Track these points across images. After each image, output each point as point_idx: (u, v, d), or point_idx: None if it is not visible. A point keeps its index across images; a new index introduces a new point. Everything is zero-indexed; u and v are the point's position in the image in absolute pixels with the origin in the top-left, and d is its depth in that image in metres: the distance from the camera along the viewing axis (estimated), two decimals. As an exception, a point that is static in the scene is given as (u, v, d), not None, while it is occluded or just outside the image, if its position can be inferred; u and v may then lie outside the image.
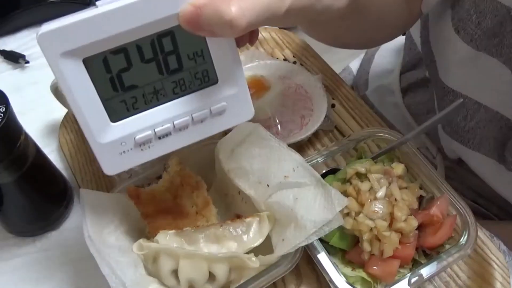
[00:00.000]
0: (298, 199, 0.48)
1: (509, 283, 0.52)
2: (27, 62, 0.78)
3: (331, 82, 0.72)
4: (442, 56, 0.63)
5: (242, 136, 0.53)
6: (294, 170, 0.49)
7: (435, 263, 0.49)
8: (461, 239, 0.49)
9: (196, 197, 0.51)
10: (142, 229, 0.51)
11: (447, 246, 0.51)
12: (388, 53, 0.86)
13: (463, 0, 0.57)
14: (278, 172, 0.50)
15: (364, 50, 0.92)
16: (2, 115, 0.47)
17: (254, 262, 0.46)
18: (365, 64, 0.89)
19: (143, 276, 0.47)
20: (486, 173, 0.66)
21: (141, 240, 0.48)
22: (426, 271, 0.48)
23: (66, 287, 0.55)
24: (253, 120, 0.65)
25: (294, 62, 0.73)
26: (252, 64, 0.71)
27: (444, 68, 0.62)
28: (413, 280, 0.47)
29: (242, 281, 0.47)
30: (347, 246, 0.51)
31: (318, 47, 0.79)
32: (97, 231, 0.46)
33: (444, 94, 0.63)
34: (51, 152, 0.66)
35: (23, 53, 0.79)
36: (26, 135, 0.52)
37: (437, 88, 0.65)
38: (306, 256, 0.50)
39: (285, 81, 0.70)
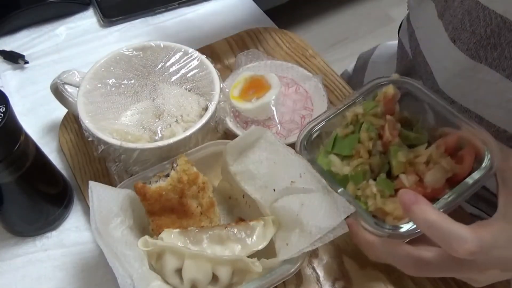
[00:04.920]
0: (304, 204, 0.48)
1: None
2: (27, 62, 0.78)
3: (331, 82, 0.72)
4: (440, 67, 0.62)
5: (250, 140, 0.53)
6: (301, 176, 0.50)
7: (460, 188, 0.48)
8: (484, 163, 0.48)
9: (201, 197, 0.51)
10: (145, 226, 0.51)
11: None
12: (382, 61, 0.85)
13: (454, 10, 0.56)
14: (285, 177, 0.50)
15: (357, 55, 0.92)
16: (2, 115, 0.47)
17: (258, 267, 0.46)
18: (359, 72, 0.89)
19: (148, 271, 0.47)
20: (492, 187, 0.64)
21: (146, 237, 0.48)
22: (452, 197, 0.47)
23: (66, 287, 0.55)
24: (253, 120, 0.66)
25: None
26: (252, 64, 0.71)
27: (445, 78, 0.62)
28: (442, 203, 0.47)
29: (244, 284, 0.47)
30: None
31: (318, 47, 0.79)
32: (103, 224, 0.47)
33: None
34: (51, 152, 0.66)
35: (23, 53, 0.79)
36: (26, 135, 0.52)
37: None
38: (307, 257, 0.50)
39: (285, 81, 0.71)
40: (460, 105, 0.60)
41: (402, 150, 0.50)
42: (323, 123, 0.55)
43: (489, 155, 0.48)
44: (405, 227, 0.46)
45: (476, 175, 0.48)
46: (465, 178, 0.48)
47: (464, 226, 0.42)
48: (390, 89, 0.55)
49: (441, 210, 0.46)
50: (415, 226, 0.45)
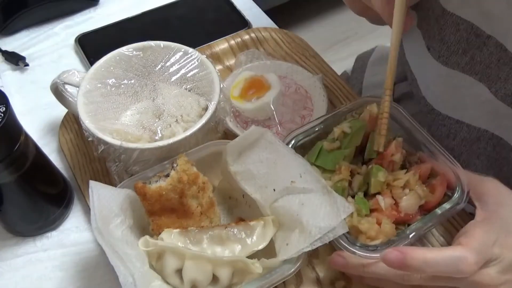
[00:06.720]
0: (304, 204, 0.48)
1: None
2: (27, 64, 0.78)
3: (331, 82, 0.72)
4: (421, 75, 0.64)
5: (250, 140, 0.53)
6: (301, 176, 0.50)
7: (430, 217, 0.50)
8: (455, 195, 0.51)
9: (201, 197, 0.51)
10: (145, 226, 0.51)
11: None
12: (380, 64, 0.86)
13: (428, 19, 0.57)
14: (285, 177, 0.50)
15: (354, 56, 0.92)
16: (2, 115, 0.47)
17: (258, 268, 0.47)
18: (358, 73, 0.89)
19: (149, 271, 0.47)
20: None
21: (147, 237, 0.48)
22: (422, 224, 0.50)
23: (66, 287, 0.55)
24: (253, 120, 0.66)
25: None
26: (252, 64, 0.71)
27: (425, 86, 0.63)
28: (411, 234, 0.49)
29: (244, 284, 0.47)
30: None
31: (318, 47, 0.79)
32: (104, 223, 0.47)
33: (427, 111, 0.64)
34: (51, 152, 0.66)
35: (23, 53, 0.79)
36: (26, 135, 0.52)
37: (421, 105, 0.66)
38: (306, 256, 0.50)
39: (285, 81, 0.71)
40: (438, 112, 0.62)
41: (382, 171, 0.52)
42: (308, 133, 0.57)
43: (459, 189, 0.51)
44: (375, 246, 0.48)
45: (446, 205, 0.50)
46: (435, 207, 0.51)
47: (454, 248, 0.45)
48: (374, 108, 0.57)
49: (412, 235, 0.49)
50: (384, 246, 0.48)
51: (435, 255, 0.44)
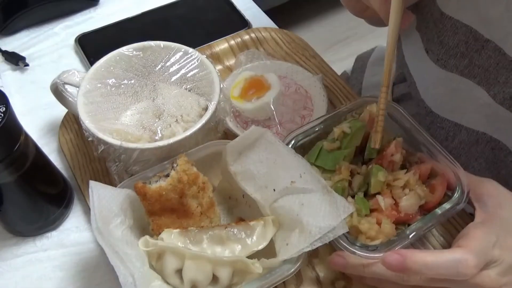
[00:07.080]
0: (304, 204, 0.48)
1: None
2: (27, 65, 0.78)
3: (331, 82, 0.72)
4: (419, 77, 0.64)
5: (250, 140, 0.53)
6: (301, 176, 0.50)
7: (430, 217, 0.50)
8: (455, 195, 0.51)
9: (201, 197, 0.51)
10: (145, 226, 0.51)
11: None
12: (381, 63, 0.86)
13: (427, 22, 0.57)
14: (285, 177, 0.50)
15: (354, 56, 0.92)
16: (2, 115, 0.47)
17: (258, 268, 0.47)
18: (357, 73, 0.89)
19: (149, 271, 0.47)
20: None
21: (147, 237, 0.48)
22: (422, 224, 0.50)
23: (66, 287, 0.55)
24: (253, 120, 0.66)
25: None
26: (252, 64, 0.71)
27: (424, 88, 0.64)
28: (411, 234, 0.49)
29: (244, 284, 0.47)
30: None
31: (318, 47, 0.79)
32: (104, 223, 0.47)
33: (426, 113, 0.64)
34: (51, 152, 0.66)
35: (23, 53, 0.79)
36: (26, 135, 0.52)
37: (419, 108, 0.66)
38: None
39: (285, 81, 0.71)
40: (437, 115, 0.62)
41: (382, 171, 0.53)
42: (308, 133, 0.57)
43: (459, 189, 0.51)
44: (375, 246, 0.48)
45: (446, 205, 0.51)
46: (435, 207, 0.51)
47: (454, 250, 0.45)
48: (373, 108, 0.57)
49: (412, 235, 0.49)
50: (384, 246, 0.48)
51: (435, 258, 0.44)
